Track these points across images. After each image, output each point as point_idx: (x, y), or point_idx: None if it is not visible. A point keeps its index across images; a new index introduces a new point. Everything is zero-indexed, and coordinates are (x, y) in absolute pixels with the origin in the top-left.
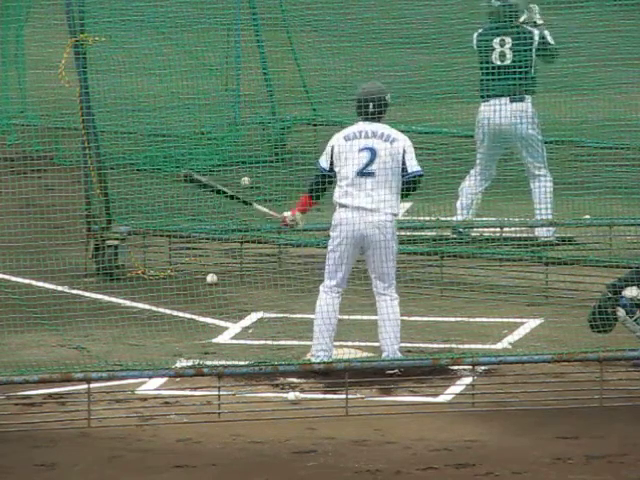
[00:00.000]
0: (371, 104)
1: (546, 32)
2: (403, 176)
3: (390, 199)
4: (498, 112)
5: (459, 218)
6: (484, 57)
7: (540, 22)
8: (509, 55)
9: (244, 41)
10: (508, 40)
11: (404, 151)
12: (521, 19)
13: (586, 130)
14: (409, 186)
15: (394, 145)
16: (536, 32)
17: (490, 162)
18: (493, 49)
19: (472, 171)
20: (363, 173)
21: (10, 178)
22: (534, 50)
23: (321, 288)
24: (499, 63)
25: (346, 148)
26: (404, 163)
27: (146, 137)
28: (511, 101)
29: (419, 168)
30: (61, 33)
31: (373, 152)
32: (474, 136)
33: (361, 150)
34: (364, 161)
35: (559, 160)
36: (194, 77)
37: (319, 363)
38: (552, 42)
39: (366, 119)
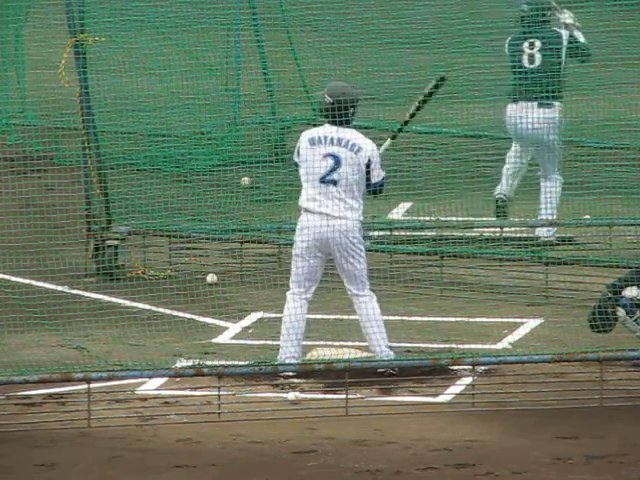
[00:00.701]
0: (338, 108)
1: (576, 32)
2: (367, 186)
3: (354, 206)
4: (524, 116)
5: (503, 187)
6: (514, 60)
7: (570, 22)
8: (538, 57)
9: (244, 41)
10: (537, 43)
11: (369, 162)
12: (551, 21)
13: (586, 130)
14: (372, 193)
15: (359, 155)
16: (564, 33)
17: (524, 153)
18: (523, 52)
19: (511, 152)
20: (326, 180)
21: (10, 178)
22: (564, 52)
23: (288, 295)
24: (528, 66)
25: (310, 153)
26: (368, 174)
27: (146, 137)
28: (539, 106)
29: (382, 176)
30: (61, 33)
31: (337, 160)
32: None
33: (325, 157)
34: (327, 168)
35: (559, 160)
36: (194, 77)
37: (319, 363)
38: (583, 41)
39: (333, 122)
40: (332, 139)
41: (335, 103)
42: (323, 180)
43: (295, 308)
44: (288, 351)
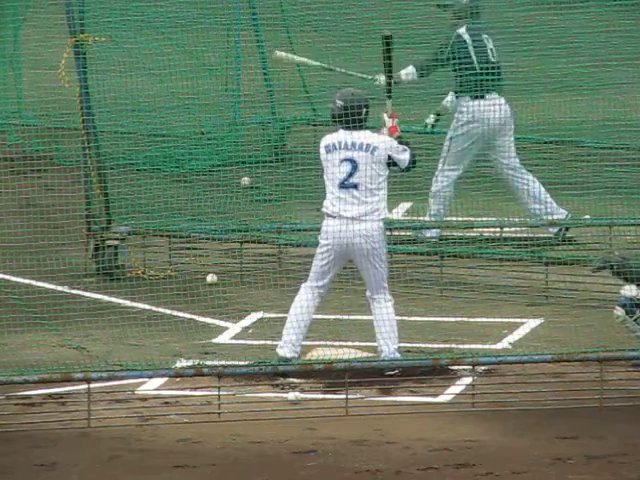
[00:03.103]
0: (351, 112)
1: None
2: (401, 169)
3: (376, 207)
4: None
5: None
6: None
7: None
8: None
9: (244, 41)
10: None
11: (389, 155)
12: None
13: (586, 130)
14: (408, 171)
15: (376, 154)
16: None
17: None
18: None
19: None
20: (345, 185)
21: (10, 178)
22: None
23: (304, 286)
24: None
25: (327, 159)
26: (395, 162)
27: (146, 137)
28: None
29: (407, 157)
30: (61, 33)
31: (354, 164)
32: None
33: (342, 162)
34: (345, 174)
35: (559, 160)
36: (194, 77)
37: (319, 363)
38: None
39: (347, 128)
40: (346, 144)
41: (347, 107)
42: (343, 185)
43: (307, 300)
44: (289, 339)
